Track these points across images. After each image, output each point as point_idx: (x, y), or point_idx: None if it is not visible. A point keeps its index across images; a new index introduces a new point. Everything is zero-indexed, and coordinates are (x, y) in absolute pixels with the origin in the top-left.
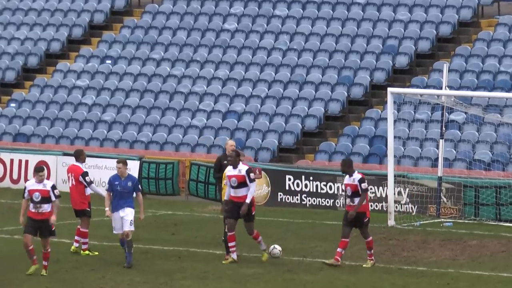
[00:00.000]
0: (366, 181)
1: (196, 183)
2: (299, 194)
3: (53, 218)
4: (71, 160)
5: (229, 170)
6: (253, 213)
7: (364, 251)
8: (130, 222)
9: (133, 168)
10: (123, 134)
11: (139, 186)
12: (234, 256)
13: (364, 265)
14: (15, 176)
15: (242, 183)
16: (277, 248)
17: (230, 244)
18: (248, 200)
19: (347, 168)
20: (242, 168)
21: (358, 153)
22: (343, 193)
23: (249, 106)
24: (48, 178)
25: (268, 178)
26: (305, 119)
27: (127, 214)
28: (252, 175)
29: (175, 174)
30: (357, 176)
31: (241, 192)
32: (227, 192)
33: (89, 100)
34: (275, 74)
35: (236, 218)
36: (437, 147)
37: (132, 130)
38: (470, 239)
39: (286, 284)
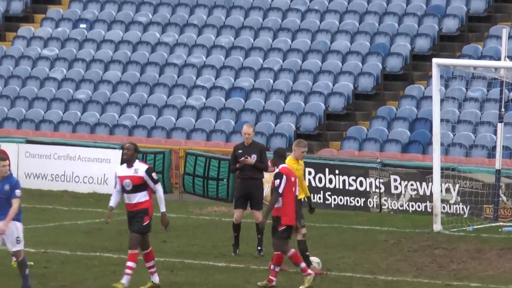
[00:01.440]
0: (281, 177)
1: (192, 178)
2: (321, 192)
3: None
4: (36, 149)
5: (121, 170)
6: (145, 223)
7: (402, 262)
8: (17, 240)
9: (113, 158)
10: (101, 117)
11: (18, 191)
12: (124, 281)
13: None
14: None
15: (138, 187)
16: (315, 261)
17: (128, 264)
18: (163, 209)
19: (276, 160)
20: (140, 167)
21: (396, 140)
22: (377, 191)
23: (259, 82)
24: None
25: None
26: (329, 98)
27: (10, 231)
28: (154, 175)
29: (166, 167)
30: (276, 171)
31: (136, 198)
32: (114, 198)
33: (59, 74)
34: (292, 42)
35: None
36: (495, 133)
37: (113, 112)
38: None
39: None
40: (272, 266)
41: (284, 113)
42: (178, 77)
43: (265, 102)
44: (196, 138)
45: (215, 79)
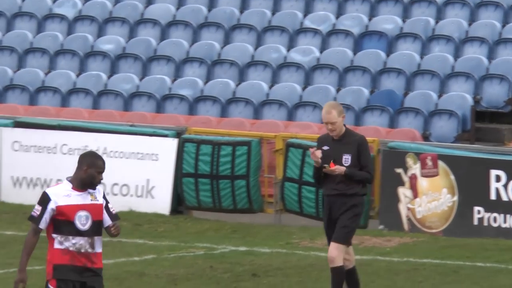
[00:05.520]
0: (40, 198)
1: (298, 186)
2: None
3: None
4: (31, 137)
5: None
6: None
7: None
8: None
9: (163, 153)
10: (143, 81)
11: None
12: None
13: None
14: None
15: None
16: None
17: None
18: None
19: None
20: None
21: None
22: None
23: (410, 23)
24: None
25: (452, 177)
26: None
27: None
28: None
29: (252, 168)
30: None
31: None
32: None
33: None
34: None
35: None
36: None
37: (158, 72)
38: None
39: None
40: None
41: (453, 76)
42: (273, 14)
43: (421, 57)
44: (304, 118)
45: (336, 18)
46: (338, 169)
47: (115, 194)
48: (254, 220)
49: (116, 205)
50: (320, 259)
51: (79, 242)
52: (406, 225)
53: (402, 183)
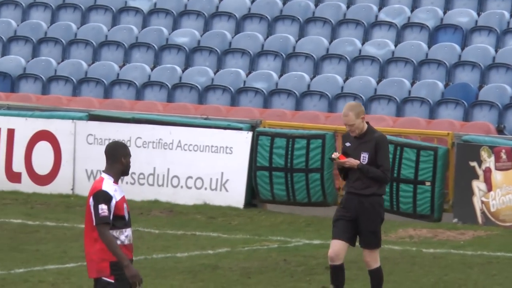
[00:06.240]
0: (102, 198)
1: None
2: None
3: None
4: (105, 130)
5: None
6: None
7: None
8: None
9: (238, 147)
10: (218, 74)
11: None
12: None
13: None
14: None
15: None
16: None
17: None
18: None
19: (108, 159)
20: None
21: None
22: None
23: (487, 15)
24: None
25: None
26: None
27: None
28: None
29: (327, 161)
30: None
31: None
32: None
33: None
34: None
35: None
36: None
37: (234, 58)
38: None
39: None
40: None
41: None
42: (347, 7)
43: (496, 50)
44: (378, 111)
45: (411, 12)
46: (349, 161)
47: (189, 187)
48: (328, 213)
49: (191, 198)
50: (393, 252)
51: (129, 233)
52: (480, 219)
53: (476, 177)
